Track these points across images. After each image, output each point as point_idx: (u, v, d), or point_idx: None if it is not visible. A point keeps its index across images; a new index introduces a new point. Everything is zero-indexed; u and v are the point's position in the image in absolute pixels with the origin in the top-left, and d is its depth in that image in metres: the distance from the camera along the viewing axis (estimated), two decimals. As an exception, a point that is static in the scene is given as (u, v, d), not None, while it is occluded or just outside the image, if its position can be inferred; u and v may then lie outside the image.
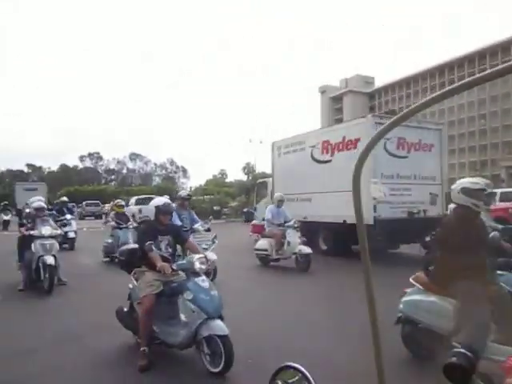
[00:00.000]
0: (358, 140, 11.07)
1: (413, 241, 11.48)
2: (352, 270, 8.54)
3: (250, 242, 13.27)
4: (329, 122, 70.24)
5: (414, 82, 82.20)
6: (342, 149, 11.62)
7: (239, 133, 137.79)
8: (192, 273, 4.00)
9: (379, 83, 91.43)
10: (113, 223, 11.38)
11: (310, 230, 13.18)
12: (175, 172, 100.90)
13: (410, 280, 4.18)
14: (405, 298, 4.16)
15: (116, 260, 10.72)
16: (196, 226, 8.57)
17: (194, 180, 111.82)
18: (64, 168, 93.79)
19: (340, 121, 60.06)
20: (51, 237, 7.87)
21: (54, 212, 13.47)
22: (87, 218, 37.35)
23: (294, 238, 9.87)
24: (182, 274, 4.25)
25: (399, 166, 10.93)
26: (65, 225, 12.92)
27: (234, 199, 41.07)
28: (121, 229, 11.11)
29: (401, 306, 4.15)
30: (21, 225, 8.22)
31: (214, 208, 34.96)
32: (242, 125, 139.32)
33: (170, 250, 4.53)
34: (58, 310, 6.64)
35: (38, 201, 8.53)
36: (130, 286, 4.55)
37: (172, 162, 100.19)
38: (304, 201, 12.92)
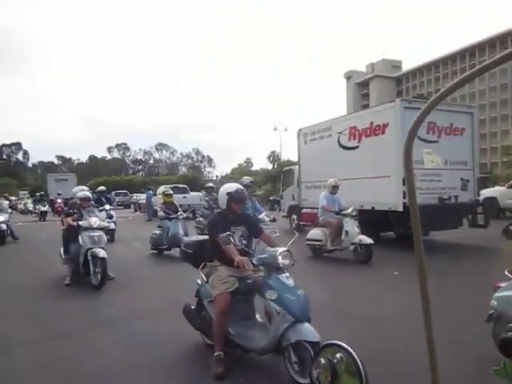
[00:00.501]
0: (386, 125, 10.85)
1: (444, 227, 11.27)
2: (406, 260, 8.13)
3: (287, 231, 12.46)
4: (355, 108, 69.16)
5: (444, 64, 79.92)
6: (370, 134, 11.40)
7: (264, 121, 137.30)
8: (275, 269, 3.47)
9: (407, 67, 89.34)
10: (161, 213, 10.59)
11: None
12: (201, 161, 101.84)
13: (506, 273, 3.74)
14: (499, 294, 3.65)
15: (161, 252, 10.46)
16: (261, 216, 7.95)
17: (220, 169, 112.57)
18: (93, 159, 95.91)
19: (366, 107, 59.04)
20: (99, 228, 7.41)
21: (93, 202, 13.20)
22: (116, 208, 38.07)
23: (352, 227, 9.05)
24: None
25: (429, 150, 10.66)
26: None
27: (259, 187, 41.05)
28: (170, 219, 10.37)
29: (494, 302, 3.64)
30: (67, 215, 7.63)
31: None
32: (267, 113, 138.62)
33: (244, 242, 4.02)
34: (109, 308, 6.01)
35: (82, 191, 8.10)
36: (199, 281, 4.16)
37: (198, 152, 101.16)
38: (331, 188, 12.77)
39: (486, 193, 16.78)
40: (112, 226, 12.51)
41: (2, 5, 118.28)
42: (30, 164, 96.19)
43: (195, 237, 4.97)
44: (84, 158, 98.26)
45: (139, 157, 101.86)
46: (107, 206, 12.44)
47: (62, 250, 7.87)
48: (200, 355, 4.07)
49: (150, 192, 25.19)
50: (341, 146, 12.48)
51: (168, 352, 4.19)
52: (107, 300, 6.48)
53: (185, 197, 23.57)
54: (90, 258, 7.00)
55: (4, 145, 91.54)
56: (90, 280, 7.05)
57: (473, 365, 3.65)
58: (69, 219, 7.39)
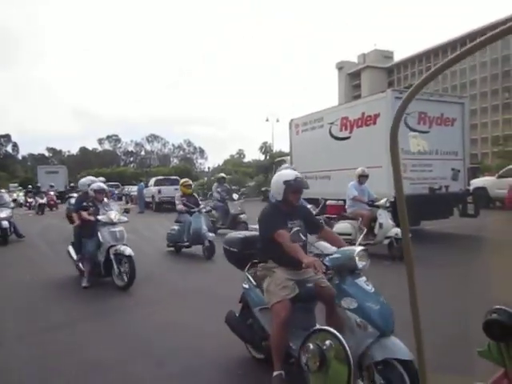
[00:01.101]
0: (377, 116, 10.87)
1: (434, 217, 11.37)
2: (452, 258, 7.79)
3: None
4: (346, 99, 69.17)
5: (435, 55, 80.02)
6: (361, 125, 11.43)
7: (256, 112, 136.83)
8: (349, 271, 2.96)
9: (398, 57, 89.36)
10: (181, 207, 9.52)
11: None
12: (193, 153, 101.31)
13: None
14: None
15: (180, 249, 9.63)
16: None
17: (212, 160, 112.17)
18: (83, 151, 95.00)
19: (358, 97, 59.02)
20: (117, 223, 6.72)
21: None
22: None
23: (386, 219, 8.34)
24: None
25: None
26: None
27: (252, 179, 41.03)
28: (191, 213, 9.36)
29: None
30: (83, 208, 6.79)
31: (233, 187, 35.00)
32: (258, 104, 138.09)
33: (304, 238, 3.36)
34: (139, 314, 5.29)
35: (93, 181, 7.42)
36: (246, 285, 3.63)
37: (189, 143, 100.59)
38: (323, 178, 12.82)
39: (476, 183, 16.91)
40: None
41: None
42: (19, 156, 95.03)
43: (238, 233, 4.22)
44: (75, 150, 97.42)
45: (130, 148, 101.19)
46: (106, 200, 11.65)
47: (70, 248, 7.30)
48: (252, 372, 3.54)
49: (142, 184, 25.03)
50: (332, 136, 12.50)
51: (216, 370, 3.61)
52: (132, 303, 5.79)
53: (176, 188, 23.43)
54: (112, 256, 6.41)
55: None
56: (112, 280, 6.50)
57: (460, 352, 3.60)
58: (84, 213, 6.69)
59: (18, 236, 12.31)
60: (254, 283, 3.56)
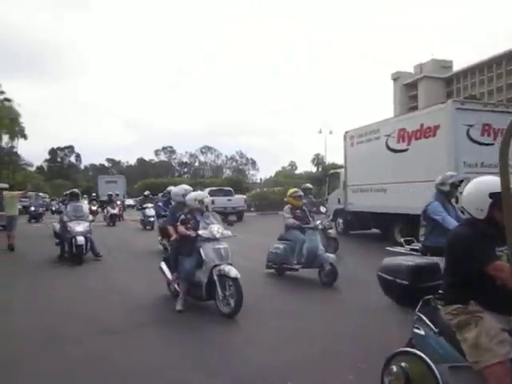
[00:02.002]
0: (437, 127, 10.53)
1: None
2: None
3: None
4: (402, 111, 67.48)
5: (497, 64, 76.53)
6: (420, 137, 11.09)
7: (309, 124, 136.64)
8: None
9: (457, 67, 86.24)
10: (292, 221, 7.80)
11: (384, 222, 12.81)
12: (245, 164, 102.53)
13: None
14: None
15: (283, 271, 7.91)
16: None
17: (263, 172, 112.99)
18: (141, 162, 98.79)
19: (415, 108, 57.48)
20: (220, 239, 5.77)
21: (160, 204, 11.82)
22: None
23: None
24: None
25: (484, 154, 10.20)
26: None
27: (303, 191, 40.76)
28: (303, 230, 7.72)
29: None
30: (182, 222, 5.84)
31: (285, 199, 34.92)
32: (311, 116, 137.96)
33: None
34: (254, 354, 4.22)
35: (187, 191, 6.56)
36: (419, 331, 2.72)
37: (241, 155, 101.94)
38: (378, 191, 12.53)
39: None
40: None
41: (44, 19, 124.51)
42: (82, 166, 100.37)
43: (402, 259, 3.19)
44: (132, 161, 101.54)
45: (185, 159, 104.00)
46: None
47: (163, 265, 6.48)
48: None
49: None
50: (389, 148, 12.22)
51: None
52: (251, 347, 4.42)
53: (229, 199, 23.76)
54: (216, 277, 5.42)
55: (58, 148, 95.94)
56: (215, 305, 5.51)
57: None
58: (181, 228, 5.79)
59: (95, 255, 10.29)
60: (435, 329, 2.63)
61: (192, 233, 5.66)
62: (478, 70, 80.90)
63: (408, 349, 2.79)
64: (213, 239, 5.63)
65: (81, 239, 9.60)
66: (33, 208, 24.34)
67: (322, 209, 11.60)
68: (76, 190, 11.63)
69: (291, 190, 8.48)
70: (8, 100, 42.41)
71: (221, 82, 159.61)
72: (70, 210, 10.17)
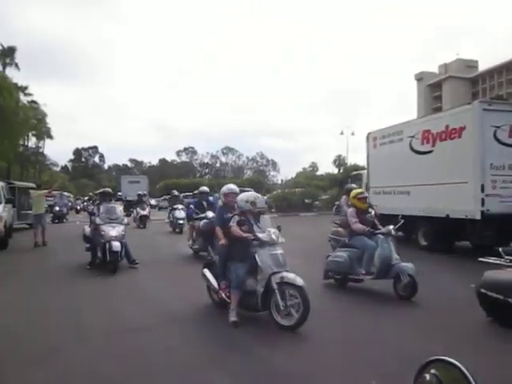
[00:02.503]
0: (462, 128, 10.32)
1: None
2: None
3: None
4: (426, 112, 66.42)
5: (525, 63, 74.60)
6: (445, 138, 10.89)
7: (330, 125, 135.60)
8: None
9: (483, 67, 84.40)
10: (360, 226, 6.89)
11: (407, 225, 12.60)
12: (265, 165, 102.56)
13: None
14: None
15: (345, 283, 7.06)
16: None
17: (284, 173, 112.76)
18: (163, 162, 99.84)
19: (439, 109, 56.64)
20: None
21: (192, 207, 11.09)
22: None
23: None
24: None
25: (512, 155, 10.00)
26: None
27: (325, 192, 40.60)
28: (374, 236, 6.81)
29: None
30: (238, 223, 5.32)
31: (306, 201, 34.85)
32: (333, 117, 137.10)
33: None
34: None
35: (231, 190, 6.10)
36: None
37: (262, 156, 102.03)
38: (402, 194, 12.36)
39: None
40: None
41: (69, 21, 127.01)
42: (105, 167, 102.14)
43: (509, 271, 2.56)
44: (155, 162, 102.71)
45: (206, 160, 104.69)
46: (210, 214, 9.65)
47: (206, 272, 5.88)
48: None
49: (217, 195, 25.52)
50: (413, 150, 12.04)
51: None
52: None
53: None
54: (276, 286, 4.93)
55: (83, 148, 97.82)
56: (272, 317, 4.98)
57: None
58: (236, 229, 5.30)
59: (131, 262, 9.19)
60: None
61: (249, 235, 5.19)
62: (504, 70, 78.97)
63: (443, 357, 2.69)
64: (269, 244, 5.16)
65: (116, 245, 8.61)
66: (57, 208, 24.10)
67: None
68: (108, 189, 10.68)
69: (356, 191, 7.58)
70: (34, 102, 43.37)
71: (241, 83, 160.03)
72: (103, 212, 9.21)
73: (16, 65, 41.62)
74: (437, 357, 2.72)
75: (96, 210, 9.44)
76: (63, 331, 5.05)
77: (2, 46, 40.73)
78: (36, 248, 12.53)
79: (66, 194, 32.46)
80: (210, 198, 11.52)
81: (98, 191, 11.52)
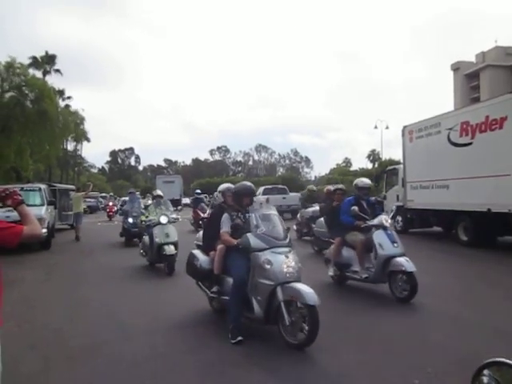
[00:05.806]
0: (504, 119, 9.91)
1: None
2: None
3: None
4: (463, 103, 64.34)
5: None
6: (485, 130, 10.49)
7: (363, 120, 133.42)
8: None
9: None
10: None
11: (446, 219, 12.29)
12: (299, 162, 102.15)
13: None
14: None
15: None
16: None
17: (317, 169, 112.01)
18: (196, 162, 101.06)
19: (477, 100, 54.74)
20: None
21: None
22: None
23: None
24: None
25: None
26: None
27: (359, 188, 40.02)
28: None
29: None
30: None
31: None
32: (365, 111, 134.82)
33: None
34: None
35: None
36: None
37: (296, 153, 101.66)
38: (440, 188, 12.02)
39: None
40: None
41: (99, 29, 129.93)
42: (140, 167, 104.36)
43: None
44: (188, 161, 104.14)
45: (239, 159, 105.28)
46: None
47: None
48: None
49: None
50: (451, 142, 11.68)
51: None
52: None
53: (284, 197, 23.74)
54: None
55: (119, 150, 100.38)
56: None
57: None
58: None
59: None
60: None
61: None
62: (547, 56, 75.55)
63: (502, 359, 2.57)
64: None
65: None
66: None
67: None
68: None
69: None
70: (68, 106, 44.64)
71: (271, 81, 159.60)
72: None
73: (58, 70, 43.10)
74: (495, 359, 2.63)
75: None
76: (106, 328, 5.17)
77: (46, 52, 42.25)
78: (78, 247, 13.18)
79: (103, 194, 33.10)
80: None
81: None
